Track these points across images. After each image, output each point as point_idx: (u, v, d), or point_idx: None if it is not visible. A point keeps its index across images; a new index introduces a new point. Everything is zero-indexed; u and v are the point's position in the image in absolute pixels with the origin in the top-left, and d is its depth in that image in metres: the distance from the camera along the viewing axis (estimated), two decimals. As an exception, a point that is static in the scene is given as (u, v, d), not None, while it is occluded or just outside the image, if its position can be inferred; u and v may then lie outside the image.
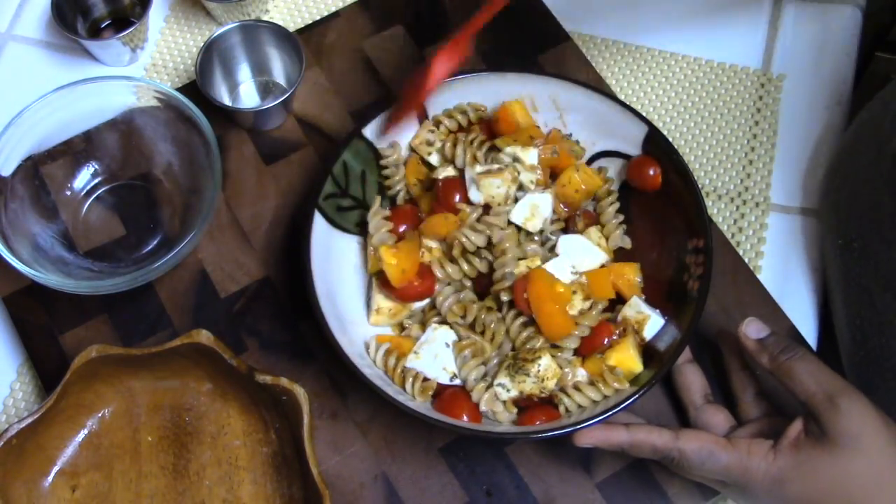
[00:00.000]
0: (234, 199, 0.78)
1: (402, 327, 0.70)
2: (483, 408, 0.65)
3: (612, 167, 0.74)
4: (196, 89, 0.76)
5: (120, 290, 0.68)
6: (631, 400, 0.61)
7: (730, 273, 0.74)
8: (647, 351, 0.66)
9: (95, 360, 0.63)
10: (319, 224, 0.69)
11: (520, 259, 0.68)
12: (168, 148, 0.76)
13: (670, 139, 0.71)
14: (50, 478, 0.65)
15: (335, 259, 0.71)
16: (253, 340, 0.73)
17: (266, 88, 0.83)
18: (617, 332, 0.67)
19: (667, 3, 0.88)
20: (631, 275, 0.68)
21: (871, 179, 0.70)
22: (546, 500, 0.67)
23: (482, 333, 0.67)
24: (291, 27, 0.86)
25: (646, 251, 0.71)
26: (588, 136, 0.74)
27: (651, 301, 0.68)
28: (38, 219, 0.74)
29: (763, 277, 0.75)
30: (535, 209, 0.69)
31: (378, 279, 0.69)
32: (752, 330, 0.62)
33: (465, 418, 0.64)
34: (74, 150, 0.76)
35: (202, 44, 0.77)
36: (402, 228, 0.71)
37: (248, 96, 0.83)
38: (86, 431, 0.67)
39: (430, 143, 0.73)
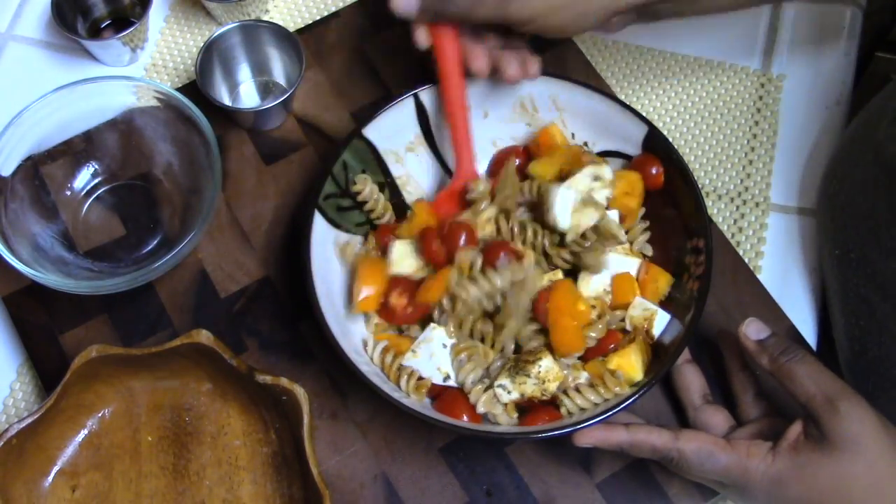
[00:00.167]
0: (234, 199, 0.78)
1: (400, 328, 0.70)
2: (481, 409, 0.65)
3: (613, 167, 0.73)
4: (196, 89, 0.76)
5: (120, 290, 0.68)
6: (631, 400, 0.61)
7: (730, 273, 0.74)
8: (655, 348, 0.66)
9: (95, 360, 0.63)
10: (319, 224, 0.69)
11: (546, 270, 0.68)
12: (168, 148, 0.76)
13: (670, 139, 0.71)
14: (50, 478, 0.65)
15: (335, 259, 0.71)
16: (253, 340, 0.73)
17: (266, 88, 0.83)
18: (624, 339, 0.67)
19: (667, 3, 0.88)
20: (662, 283, 0.68)
21: (867, 188, 0.70)
22: (546, 500, 0.67)
23: (482, 340, 0.67)
24: (291, 27, 0.86)
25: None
26: (588, 136, 0.74)
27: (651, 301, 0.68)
28: (38, 219, 0.74)
29: (763, 277, 0.75)
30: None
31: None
32: (753, 330, 0.62)
33: (464, 418, 0.64)
34: (74, 150, 0.76)
35: (202, 44, 0.77)
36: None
37: (248, 96, 0.83)
38: (86, 431, 0.67)
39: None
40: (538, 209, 0.70)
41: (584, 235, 0.68)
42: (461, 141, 0.70)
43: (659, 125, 0.78)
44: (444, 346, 0.66)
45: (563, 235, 0.69)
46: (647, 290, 0.68)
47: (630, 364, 0.64)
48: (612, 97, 0.72)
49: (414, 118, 0.74)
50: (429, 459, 0.69)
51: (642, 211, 0.72)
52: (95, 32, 0.85)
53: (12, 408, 0.73)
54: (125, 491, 0.66)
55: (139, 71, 0.86)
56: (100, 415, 0.67)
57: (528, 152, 0.75)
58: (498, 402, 0.65)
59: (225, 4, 0.83)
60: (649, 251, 0.71)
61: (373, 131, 0.72)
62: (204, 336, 0.64)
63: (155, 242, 0.76)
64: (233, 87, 0.82)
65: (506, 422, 0.65)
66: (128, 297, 0.73)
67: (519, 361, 0.65)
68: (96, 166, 0.77)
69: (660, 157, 0.70)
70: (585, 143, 0.74)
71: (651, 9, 0.65)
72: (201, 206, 0.71)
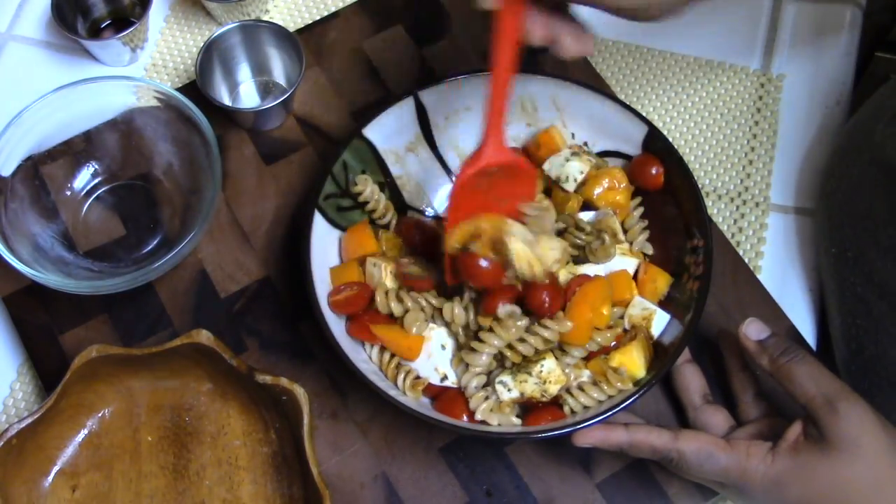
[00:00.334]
0: (234, 199, 0.78)
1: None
2: (479, 417, 0.64)
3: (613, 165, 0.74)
4: (196, 89, 0.76)
5: (120, 290, 0.68)
6: (631, 400, 0.61)
7: (730, 273, 0.74)
8: (655, 348, 0.66)
9: (95, 360, 0.63)
10: (319, 224, 0.69)
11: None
12: (168, 148, 0.76)
13: (670, 139, 0.71)
14: (50, 478, 0.65)
15: (335, 259, 0.71)
16: (253, 340, 0.73)
17: (266, 88, 0.83)
18: (626, 336, 0.67)
19: (667, 3, 0.88)
20: (661, 283, 0.68)
21: (864, 187, 0.70)
22: (546, 500, 0.67)
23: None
24: (291, 27, 0.86)
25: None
26: (588, 136, 0.74)
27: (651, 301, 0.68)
28: (38, 219, 0.74)
29: (763, 277, 0.75)
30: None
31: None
32: (753, 331, 0.62)
33: (464, 418, 0.64)
34: (74, 150, 0.76)
35: (202, 44, 0.77)
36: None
37: (248, 96, 0.83)
38: (86, 431, 0.67)
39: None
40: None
41: (586, 231, 0.69)
42: (495, 118, 0.63)
43: (659, 125, 0.79)
44: (443, 347, 0.67)
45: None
46: (646, 290, 0.68)
47: (632, 361, 0.64)
48: (612, 97, 0.72)
49: (414, 118, 0.74)
50: (429, 459, 0.69)
51: (640, 211, 0.72)
52: (95, 32, 0.85)
53: (12, 408, 0.73)
54: (125, 491, 0.66)
55: (139, 71, 0.86)
56: (100, 415, 0.67)
57: (528, 153, 0.75)
58: (496, 414, 0.64)
59: (225, 4, 0.83)
60: (649, 250, 0.71)
61: (373, 131, 0.72)
62: (204, 336, 0.64)
63: (155, 242, 0.76)
64: (233, 87, 0.82)
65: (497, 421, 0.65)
66: (128, 297, 0.73)
67: (522, 360, 0.65)
68: (96, 166, 0.77)
69: (660, 157, 0.70)
70: (585, 143, 0.74)
71: None
72: (201, 206, 0.71)
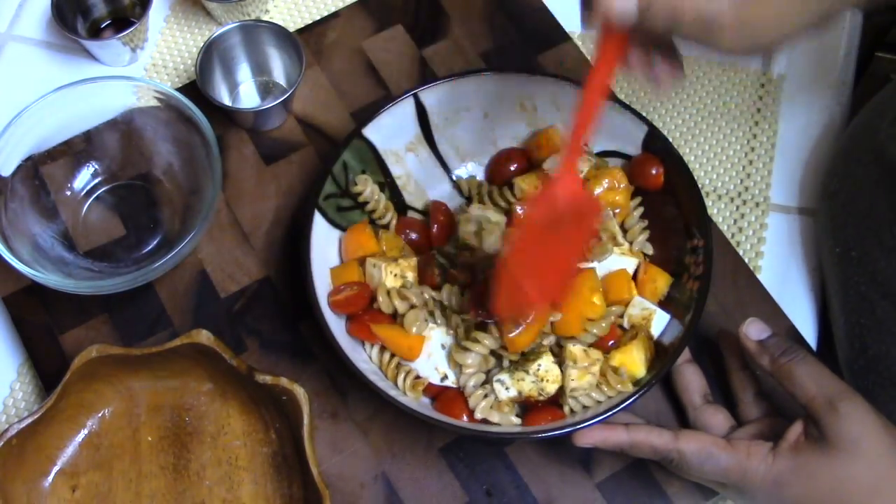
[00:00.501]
0: (234, 199, 0.78)
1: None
2: (479, 415, 0.64)
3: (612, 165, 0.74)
4: (196, 89, 0.76)
5: (120, 290, 0.68)
6: (631, 400, 0.61)
7: (730, 273, 0.74)
8: (655, 348, 0.66)
9: (95, 360, 0.63)
10: (319, 224, 0.69)
11: None
12: (168, 148, 0.76)
13: (670, 139, 0.71)
14: (50, 478, 0.65)
15: (335, 259, 0.71)
16: (253, 340, 0.73)
17: (266, 88, 0.83)
18: (626, 336, 0.67)
19: (667, 3, 0.88)
20: (661, 283, 0.68)
21: (868, 186, 0.70)
22: (546, 500, 0.67)
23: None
24: (291, 27, 0.86)
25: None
26: (588, 136, 0.74)
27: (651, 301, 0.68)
28: (38, 219, 0.74)
29: (763, 277, 0.75)
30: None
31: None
32: (754, 331, 0.62)
33: (464, 418, 0.64)
34: (74, 150, 0.76)
35: (202, 44, 0.77)
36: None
37: (248, 96, 0.83)
38: (86, 431, 0.67)
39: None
40: None
41: None
42: (576, 146, 0.59)
43: (659, 125, 0.78)
44: (443, 346, 0.67)
45: None
46: (645, 290, 0.68)
47: (633, 360, 0.64)
48: (613, 97, 0.72)
49: (414, 118, 0.74)
50: (429, 459, 0.69)
51: (640, 210, 0.72)
52: (95, 32, 0.85)
53: (12, 408, 0.73)
54: (125, 491, 0.66)
55: (139, 71, 0.86)
56: (100, 415, 0.67)
57: (528, 153, 0.75)
58: (495, 412, 0.64)
59: (225, 4, 0.83)
60: (649, 250, 0.71)
61: (373, 131, 0.72)
62: (204, 336, 0.64)
63: (155, 242, 0.76)
64: (233, 87, 0.82)
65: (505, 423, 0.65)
66: (128, 297, 0.73)
67: (520, 359, 0.65)
68: (96, 166, 0.77)
69: (660, 157, 0.70)
70: (585, 143, 0.74)
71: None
72: (201, 206, 0.71)
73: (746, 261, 0.76)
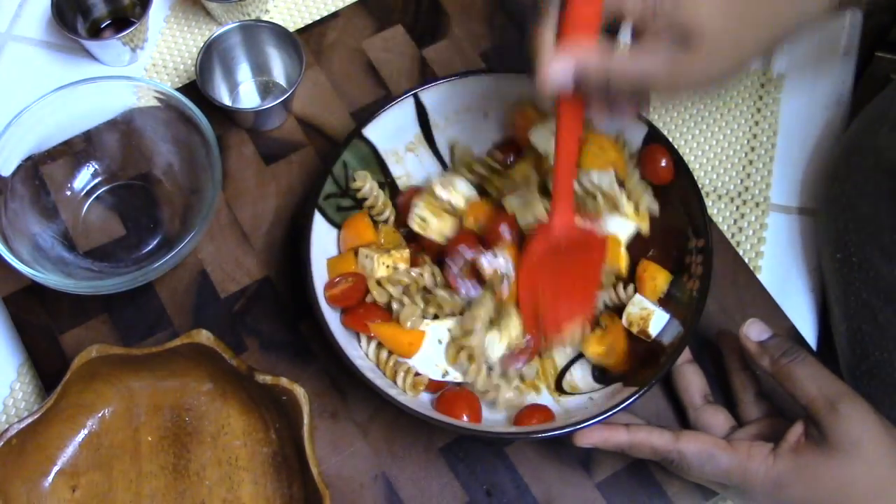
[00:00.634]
0: (234, 199, 0.78)
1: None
2: (481, 387, 0.65)
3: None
4: (196, 89, 0.76)
5: (120, 290, 0.68)
6: (631, 400, 0.61)
7: (730, 273, 0.74)
8: (652, 348, 0.66)
9: (95, 360, 0.63)
10: (319, 224, 0.69)
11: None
12: (168, 148, 0.76)
13: (670, 139, 0.71)
14: (50, 478, 0.65)
15: (335, 259, 0.71)
16: (253, 340, 0.73)
17: (266, 88, 0.83)
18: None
19: (667, 3, 0.88)
20: (660, 280, 0.68)
21: (869, 192, 0.70)
22: (546, 500, 0.67)
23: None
24: (291, 27, 0.86)
25: (646, 251, 0.71)
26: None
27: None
28: (38, 219, 0.74)
29: (763, 277, 0.75)
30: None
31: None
32: (754, 332, 0.62)
33: (465, 418, 0.64)
34: (74, 150, 0.76)
35: (202, 44, 0.77)
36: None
37: (248, 96, 0.83)
38: (86, 431, 0.67)
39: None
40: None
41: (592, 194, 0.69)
42: (562, 193, 0.63)
43: (659, 125, 0.78)
44: (440, 342, 0.66)
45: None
46: (645, 288, 0.68)
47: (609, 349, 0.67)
48: (613, 97, 0.72)
49: (414, 118, 0.74)
50: (429, 459, 0.69)
51: (637, 173, 0.71)
52: (95, 32, 0.85)
53: (12, 408, 0.73)
54: (125, 491, 0.66)
55: (139, 71, 0.86)
56: (100, 415, 0.67)
57: (515, 143, 0.75)
58: (505, 384, 0.65)
59: (225, 4, 0.83)
60: (656, 206, 0.70)
61: (373, 131, 0.72)
62: (204, 336, 0.64)
63: (155, 242, 0.76)
64: (233, 87, 0.82)
65: (507, 399, 0.65)
66: (128, 297, 0.73)
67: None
68: (96, 166, 0.77)
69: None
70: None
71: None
72: (201, 206, 0.71)
73: (746, 261, 0.76)
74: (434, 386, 0.67)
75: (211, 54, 0.78)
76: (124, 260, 0.75)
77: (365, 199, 0.72)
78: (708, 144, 0.82)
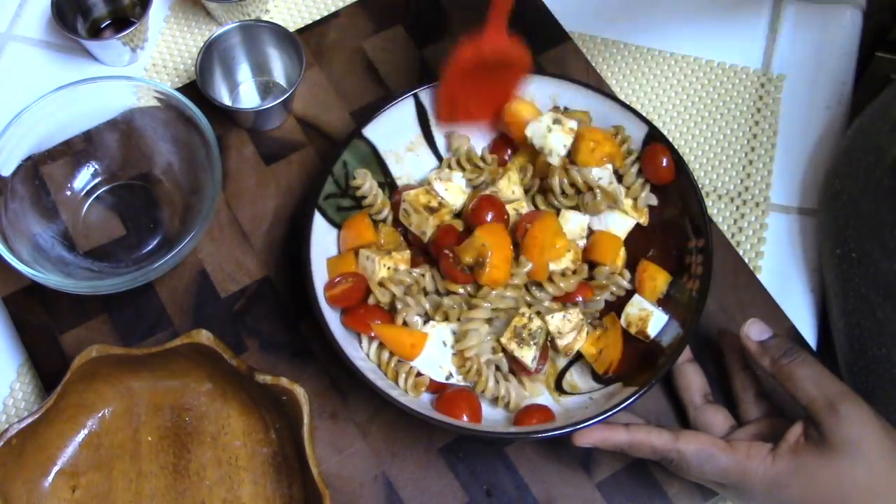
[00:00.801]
0: (234, 199, 0.78)
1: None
2: (490, 396, 0.66)
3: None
4: (196, 89, 0.76)
5: (120, 290, 0.68)
6: (631, 400, 0.61)
7: (730, 273, 0.74)
8: (651, 348, 0.66)
9: (95, 360, 0.63)
10: (319, 224, 0.69)
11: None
12: (168, 148, 0.76)
13: (670, 139, 0.71)
14: (50, 478, 0.65)
15: (335, 259, 0.71)
16: (253, 340, 0.73)
17: (266, 88, 0.83)
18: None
19: (667, 4, 0.88)
20: (660, 282, 0.68)
21: (869, 188, 0.70)
22: (546, 500, 0.67)
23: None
24: (291, 27, 0.86)
25: (646, 251, 0.71)
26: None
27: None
28: (38, 219, 0.74)
29: (763, 277, 0.75)
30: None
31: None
32: (755, 331, 0.62)
33: (465, 418, 0.64)
34: (74, 150, 0.76)
35: (202, 44, 0.77)
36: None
37: (248, 96, 0.83)
38: (86, 431, 0.67)
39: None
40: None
41: (590, 188, 0.70)
42: (499, 10, 0.69)
43: (659, 125, 0.79)
44: (445, 343, 0.66)
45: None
46: (645, 289, 0.68)
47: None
48: (612, 97, 0.72)
49: (414, 118, 0.74)
50: (429, 459, 0.69)
51: (638, 165, 0.71)
52: (95, 32, 0.85)
53: (12, 408, 0.73)
54: (125, 491, 0.66)
55: (139, 71, 0.86)
56: (100, 415, 0.67)
57: (509, 139, 0.75)
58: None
59: (225, 4, 0.83)
60: (654, 201, 0.71)
61: (373, 131, 0.72)
62: (204, 336, 0.64)
63: (155, 242, 0.76)
64: (233, 87, 0.82)
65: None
66: (128, 297, 0.73)
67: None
68: (96, 166, 0.77)
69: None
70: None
71: None
72: (201, 206, 0.71)
73: (746, 261, 0.76)
74: (435, 386, 0.67)
75: (211, 54, 0.78)
76: (124, 260, 0.75)
77: (364, 198, 0.72)
78: (708, 144, 0.82)
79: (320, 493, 0.61)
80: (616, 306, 0.70)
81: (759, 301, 0.73)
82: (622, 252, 0.70)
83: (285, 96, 0.76)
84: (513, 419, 0.66)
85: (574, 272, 0.69)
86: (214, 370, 0.66)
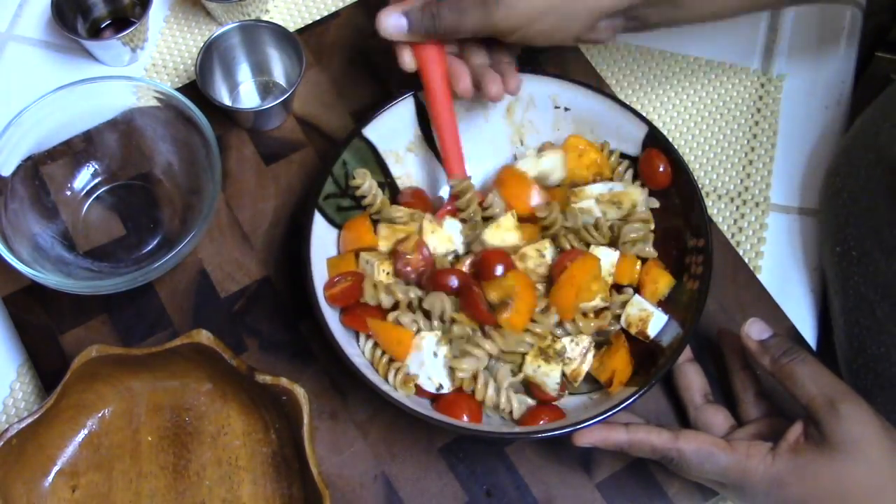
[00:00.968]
0: (234, 199, 0.78)
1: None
2: (490, 403, 0.65)
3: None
4: (196, 89, 0.76)
5: (120, 290, 0.68)
6: (631, 400, 0.61)
7: (730, 273, 0.74)
8: (651, 348, 0.66)
9: (95, 360, 0.63)
10: (319, 224, 0.69)
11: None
12: (168, 148, 0.76)
13: (670, 139, 0.71)
14: (50, 478, 0.65)
15: (335, 259, 0.71)
16: (253, 340, 0.73)
17: (266, 88, 0.83)
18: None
19: (667, 3, 0.88)
20: (662, 284, 0.68)
21: (869, 186, 0.70)
22: (546, 500, 0.67)
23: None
24: (291, 27, 0.86)
25: (646, 251, 0.71)
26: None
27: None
28: (38, 219, 0.74)
29: (763, 277, 0.75)
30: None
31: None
32: (755, 331, 0.62)
33: (465, 418, 0.64)
34: (74, 150, 0.76)
35: (202, 44, 0.77)
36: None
37: (248, 96, 0.83)
38: (86, 431, 0.67)
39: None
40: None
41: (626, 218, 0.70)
42: (450, 149, 0.71)
43: (659, 125, 0.79)
44: (435, 354, 0.65)
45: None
46: (646, 291, 0.68)
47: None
48: (612, 97, 0.72)
49: (414, 118, 0.74)
50: (429, 459, 0.69)
51: (629, 174, 0.71)
52: (95, 32, 0.85)
53: (12, 408, 0.73)
54: (125, 491, 0.66)
55: (139, 71, 0.86)
56: (100, 415, 0.67)
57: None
58: (500, 396, 0.65)
59: (225, 4, 0.83)
60: (655, 203, 0.71)
61: (373, 131, 0.72)
62: (204, 336, 0.64)
63: (155, 242, 0.76)
64: (233, 87, 0.82)
65: (516, 407, 0.65)
66: (128, 297, 0.73)
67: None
68: (96, 166, 0.77)
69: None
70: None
71: (638, 13, 0.64)
72: (201, 206, 0.71)
73: (746, 261, 0.76)
74: (428, 394, 0.66)
75: (211, 54, 0.78)
76: (124, 260, 0.75)
77: (364, 198, 0.72)
78: (708, 144, 0.82)
79: (320, 493, 0.61)
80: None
81: (759, 301, 0.73)
82: (608, 279, 0.69)
83: (285, 96, 0.76)
84: (521, 418, 0.66)
85: (602, 310, 0.68)
86: (214, 370, 0.66)
